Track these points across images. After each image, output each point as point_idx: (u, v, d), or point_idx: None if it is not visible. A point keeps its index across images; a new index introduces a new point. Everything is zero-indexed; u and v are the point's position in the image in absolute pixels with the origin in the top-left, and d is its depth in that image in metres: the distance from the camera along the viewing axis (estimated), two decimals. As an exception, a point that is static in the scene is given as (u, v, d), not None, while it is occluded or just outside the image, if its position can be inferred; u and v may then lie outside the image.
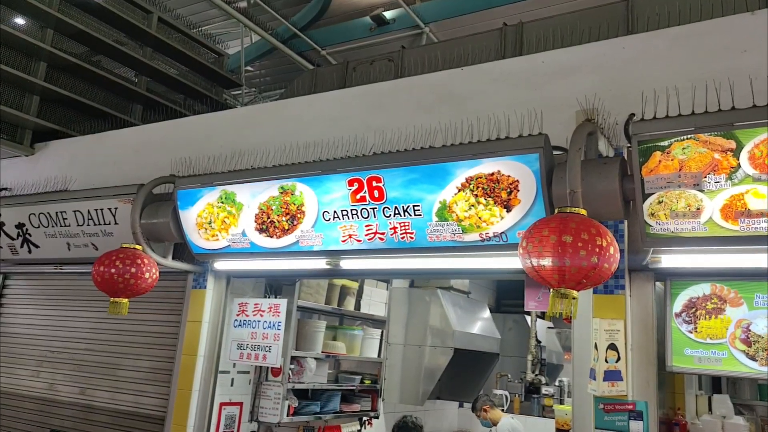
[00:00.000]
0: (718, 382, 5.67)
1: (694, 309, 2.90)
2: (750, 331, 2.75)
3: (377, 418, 5.84)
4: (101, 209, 4.63)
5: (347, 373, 5.61)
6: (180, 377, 4.42)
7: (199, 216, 4.10)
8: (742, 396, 5.80)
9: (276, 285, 4.79)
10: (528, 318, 7.14)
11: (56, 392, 5.16)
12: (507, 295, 8.04)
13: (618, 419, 2.90)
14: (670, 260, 2.96)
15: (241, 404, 4.55)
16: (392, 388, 5.80)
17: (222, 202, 3.99)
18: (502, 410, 6.26)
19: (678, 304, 2.94)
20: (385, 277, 5.77)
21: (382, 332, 5.84)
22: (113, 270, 3.75)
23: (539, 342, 6.90)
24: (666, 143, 2.66)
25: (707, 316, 2.86)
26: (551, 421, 4.73)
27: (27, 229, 5.15)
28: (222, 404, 4.40)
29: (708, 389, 5.18)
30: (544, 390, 6.42)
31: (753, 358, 2.72)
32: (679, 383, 4.44)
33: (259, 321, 4.31)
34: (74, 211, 4.78)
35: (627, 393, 2.93)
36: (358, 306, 5.64)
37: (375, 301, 5.84)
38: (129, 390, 4.75)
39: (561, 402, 6.30)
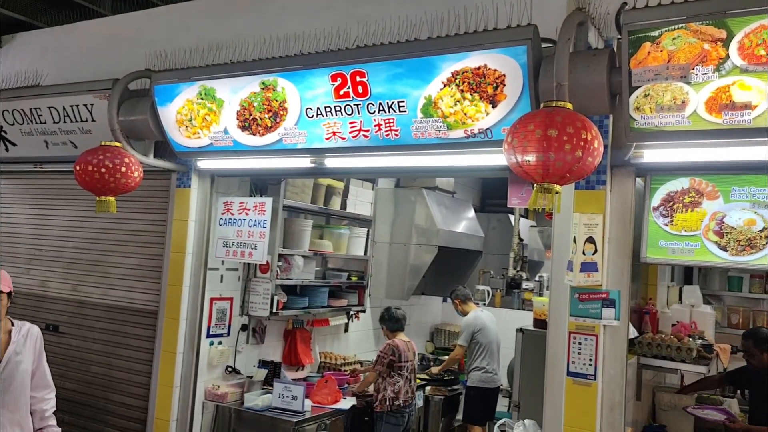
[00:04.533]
0: (690, 275, 5.92)
1: (671, 203, 2.96)
2: (724, 222, 2.83)
3: (364, 312, 6.08)
4: (77, 105, 4.50)
5: (334, 270, 5.76)
6: (170, 273, 4.51)
7: (178, 113, 4.00)
8: (711, 287, 6.10)
9: (261, 184, 4.79)
10: (512, 217, 7.27)
11: (48, 288, 5.28)
12: (492, 195, 8.12)
13: (591, 307, 3.04)
14: (651, 155, 2.98)
15: (231, 299, 4.69)
16: (378, 284, 5.99)
17: (202, 99, 3.88)
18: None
19: (656, 198, 3.00)
20: (370, 176, 5.78)
21: (368, 231, 5.94)
22: (104, 170, 3.69)
23: (522, 240, 7.07)
24: (656, 33, 2.59)
25: (684, 210, 2.92)
26: (530, 313, 4.95)
27: (2, 127, 5.02)
28: (213, 299, 4.53)
29: (680, 281, 5.42)
30: (524, 285, 6.64)
31: (724, 249, 2.82)
32: (653, 275, 4.64)
33: (244, 219, 4.35)
34: (49, 108, 4.64)
35: (602, 283, 3.05)
36: (344, 206, 5.69)
37: (361, 201, 5.89)
38: (120, 286, 4.86)
39: (540, 296, 6.56)
